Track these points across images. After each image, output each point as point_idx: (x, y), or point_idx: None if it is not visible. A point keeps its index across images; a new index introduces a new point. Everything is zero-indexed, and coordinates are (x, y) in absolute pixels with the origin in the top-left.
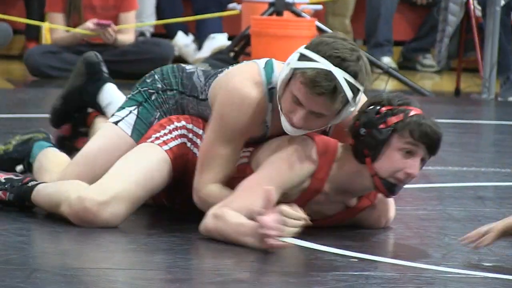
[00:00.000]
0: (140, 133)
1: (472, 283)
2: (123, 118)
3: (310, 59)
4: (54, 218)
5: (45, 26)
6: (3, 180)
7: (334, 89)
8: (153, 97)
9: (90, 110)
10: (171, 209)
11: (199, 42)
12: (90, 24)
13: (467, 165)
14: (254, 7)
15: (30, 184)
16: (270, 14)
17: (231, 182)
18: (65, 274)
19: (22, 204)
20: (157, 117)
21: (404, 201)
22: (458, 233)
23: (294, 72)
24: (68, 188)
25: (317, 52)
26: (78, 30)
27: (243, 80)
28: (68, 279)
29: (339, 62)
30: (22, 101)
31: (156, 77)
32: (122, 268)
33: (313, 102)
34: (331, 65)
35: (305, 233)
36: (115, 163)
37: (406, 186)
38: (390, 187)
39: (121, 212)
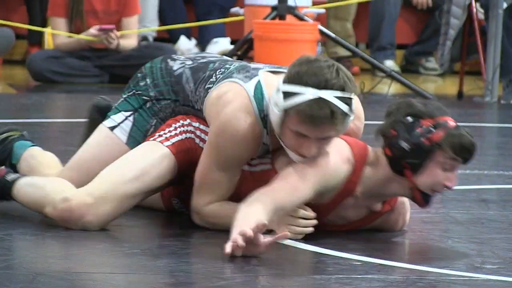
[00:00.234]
0: (136, 141)
1: (475, 286)
2: (119, 124)
3: (296, 94)
4: (56, 222)
5: (47, 31)
6: None
7: (332, 112)
8: (148, 105)
9: None
10: (176, 214)
11: (202, 46)
12: (93, 30)
13: (470, 167)
14: (257, 11)
15: (8, 178)
16: (273, 18)
17: (254, 188)
18: (68, 278)
19: (2, 198)
20: (153, 124)
21: None
22: (461, 236)
23: (286, 112)
24: (52, 188)
25: (299, 84)
26: (81, 36)
27: (235, 112)
28: (71, 283)
29: (324, 84)
30: (25, 106)
31: (148, 81)
32: (125, 272)
33: (317, 131)
34: (317, 90)
35: (308, 236)
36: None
37: None
38: (428, 199)
39: (106, 213)
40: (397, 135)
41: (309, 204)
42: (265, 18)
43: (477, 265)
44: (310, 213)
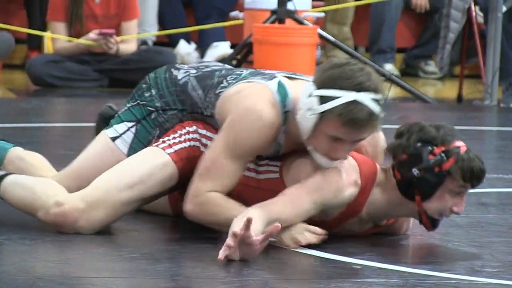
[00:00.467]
0: (136, 152)
1: None
2: (120, 135)
3: (331, 97)
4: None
5: (47, 35)
6: None
7: (370, 115)
8: (152, 116)
9: None
10: (176, 218)
11: (202, 50)
12: (92, 34)
13: None
14: (256, 15)
15: None
16: (272, 22)
17: (257, 194)
18: (68, 283)
19: None
20: (156, 134)
21: None
22: (461, 240)
23: (323, 116)
24: (43, 191)
25: (333, 88)
26: (80, 40)
27: (259, 101)
28: None
29: (359, 87)
30: (24, 110)
31: (153, 92)
32: (125, 277)
33: (355, 134)
34: (353, 93)
35: None
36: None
37: None
38: (435, 223)
39: (99, 219)
40: (408, 160)
41: (313, 220)
42: (264, 22)
43: (477, 268)
44: (321, 231)
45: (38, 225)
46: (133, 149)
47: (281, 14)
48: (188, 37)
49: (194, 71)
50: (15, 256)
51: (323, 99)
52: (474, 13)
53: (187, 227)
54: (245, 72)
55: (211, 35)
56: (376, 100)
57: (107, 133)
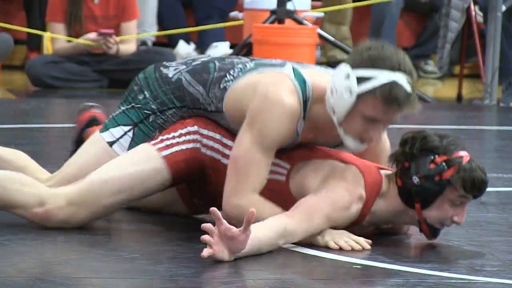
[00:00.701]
0: None
1: None
2: (117, 140)
3: (371, 78)
4: (57, 227)
5: (46, 36)
6: None
7: (407, 95)
8: (150, 119)
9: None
10: (176, 218)
11: (201, 50)
12: (91, 35)
13: None
14: (256, 15)
15: None
16: (272, 22)
17: (263, 195)
18: (68, 283)
19: None
20: (155, 136)
21: None
22: (461, 239)
23: (361, 96)
24: (22, 188)
25: (372, 68)
26: (80, 40)
27: (282, 90)
28: None
29: (397, 67)
30: (24, 111)
31: (147, 95)
32: (125, 277)
33: (392, 115)
34: (392, 73)
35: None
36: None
37: None
38: (435, 232)
39: (82, 219)
40: (410, 168)
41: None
42: (264, 22)
43: (477, 267)
44: (366, 245)
45: (38, 226)
46: None
47: (280, 14)
48: (187, 38)
49: (184, 66)
50: (15, 257)
51: (362, 80)
52: (473, 13)
53: (187, 227)
54: (249, 63)
55: (211, 35)
56: (411, 82)
57: (103, 137)
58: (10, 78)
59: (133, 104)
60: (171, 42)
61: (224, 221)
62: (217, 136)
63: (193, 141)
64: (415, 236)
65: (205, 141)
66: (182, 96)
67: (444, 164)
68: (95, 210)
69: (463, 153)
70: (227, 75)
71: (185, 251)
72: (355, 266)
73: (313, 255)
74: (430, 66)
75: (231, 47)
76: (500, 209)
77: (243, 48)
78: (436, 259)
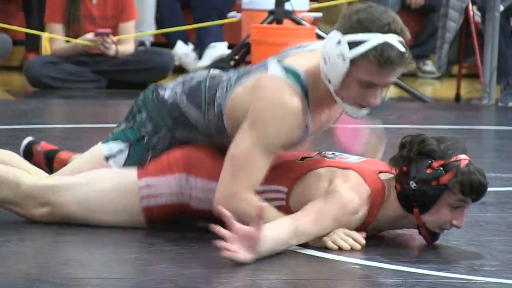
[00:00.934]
0: None
1: None
2: (114, 155)
3: (362, 41)
4: (56, 228)
5: (44, 36)
6: None
7: (401, 54)
8: (145, 139)
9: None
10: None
11: (199, 51)
12: (89, 35)
13: None
14: (254, 16)
15: None
16: (270, 22)
17: None
18: (67, 284)
19: None
20: (149, 158)
21: None
22: (460, 239)
23: (355, 61)
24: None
25: (362, 31)
26: (78, 40)
27: (280, 91)
28: None
29: (387, 28)
30: (22, 112)
31: (144, 116)
32: (124, 277)
33: (388, 77)
34: (383, 35)
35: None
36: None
37: None
38: (435, 236)
39: (43, 215)
40: (408, 173)
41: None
42: (262, 23)
43: (475, 267)
44: (362, 241)
45: (38, 226)
46: None
47: (278, 14)
48: (185, 38)
49: (180, 87)
50: (14, 257)
51: (353, 44)
52: (471, 13)
53: (186, 227)
54: (236, 74)
55: (209, 35)
56: (402, 42)
57: (102, 150)
58: (9, 78)
59: (132, 122)
60: (170, 42)
61: (235, 221)
62: (199, 184)
63: (181, 194)
64: (413, 236)
65: (194, 193)
66: (177, 116)
67: (441, 169)
68: (62, 217)
69: (462, 157)
70: (218, 91)
71: (184, 251)
72: (354, 266)
73: (313, 255)
74: (429, 66)
75: (229, 47)
76: (498, 209)
77: (241, 49)
78: (435, 259)
